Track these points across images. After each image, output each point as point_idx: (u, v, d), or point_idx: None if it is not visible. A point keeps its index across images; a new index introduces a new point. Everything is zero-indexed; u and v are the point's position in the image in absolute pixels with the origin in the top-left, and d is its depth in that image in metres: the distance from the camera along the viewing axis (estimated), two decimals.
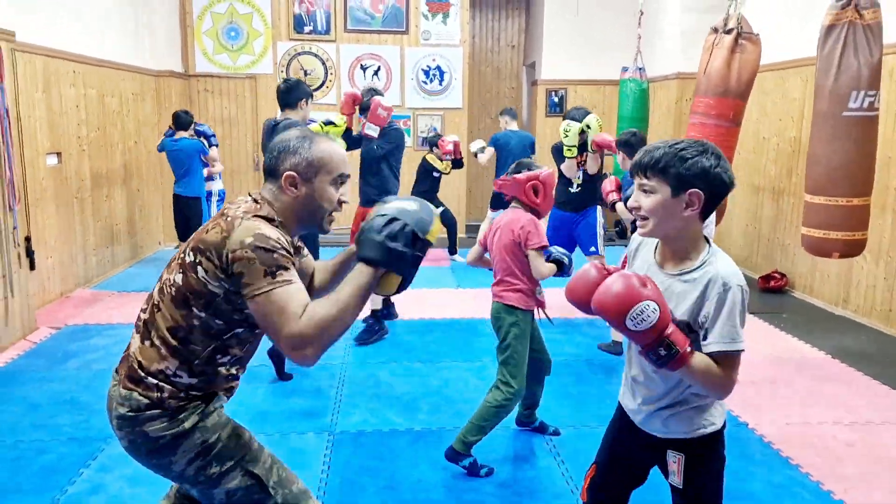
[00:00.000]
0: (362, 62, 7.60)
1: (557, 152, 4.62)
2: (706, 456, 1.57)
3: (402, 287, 1.49)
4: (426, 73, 7.73)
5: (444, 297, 5.19)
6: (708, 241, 1.53)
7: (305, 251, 1.72)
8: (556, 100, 8.25)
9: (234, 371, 1.55)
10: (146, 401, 1.45)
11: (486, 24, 9.18)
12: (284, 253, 1.40)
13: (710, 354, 1.42)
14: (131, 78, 6.06)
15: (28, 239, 4.15)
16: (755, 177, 6.04)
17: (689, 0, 6.76)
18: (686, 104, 7.06)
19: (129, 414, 1.46)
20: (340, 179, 1.55)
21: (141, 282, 5.44)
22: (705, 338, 1.44)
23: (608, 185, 4.32)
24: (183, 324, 1.45)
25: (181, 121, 5.51)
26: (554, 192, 4.68)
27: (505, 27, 9.20)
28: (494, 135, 6.34)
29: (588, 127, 4.37)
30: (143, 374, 1.46)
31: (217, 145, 6.03)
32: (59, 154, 4.84)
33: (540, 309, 2.71)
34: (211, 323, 1.44)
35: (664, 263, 1.54)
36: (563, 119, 4.54)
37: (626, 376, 1.70)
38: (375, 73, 7.65)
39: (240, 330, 1.48)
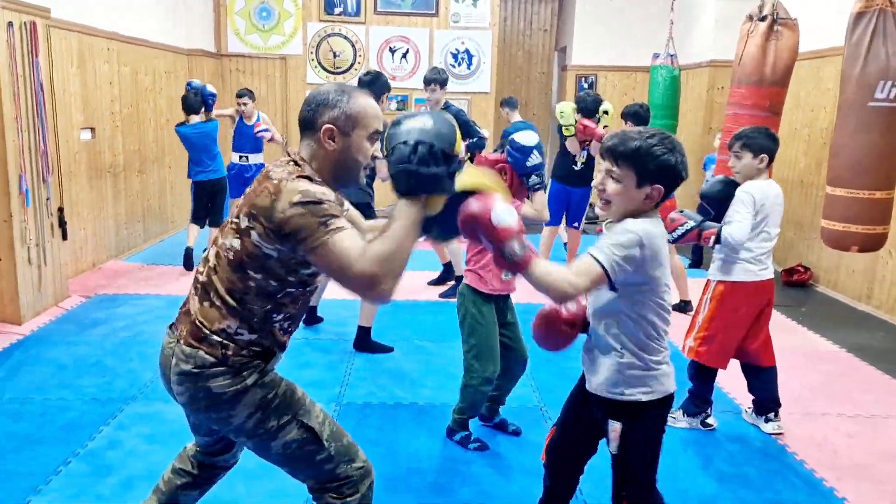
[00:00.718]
0: (391, 45, 7.65)
1: (560, 131, 4.96)
2: (641, 424, 1.64)
3: (449, 205, 1.47)
4: (455, 56, 7.74)
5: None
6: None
7: (349, 206, 1.77)
8: (585, 86, 8.17)
9: (287, 327, 1.61)
10: (211, 358, 1.51)
11: (518, 7, 9.12)
12: (333, 203, 1.44)
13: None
14: (164, 56, 6.23)
15: (61, 210, 4.33)
16: (783, 169, 5.92)
17: None
18: (718, 92, 6.94)
19: (194, 370, 1.52)
20: (375, 135, 1.57)
21: (169, 257, 5.61)
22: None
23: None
24: (240, 285, 1.51)
25: (190, 103, 5.14)
26: (555, 165, 5.09)
27: (538, 10, 9.13)
28: (505, 129, 6.29)
29: (605, 112, 4.57)
30: (207, 332, 1.52)
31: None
32: (92, 129, 5.02)
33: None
34: (265, 284, 1.50)
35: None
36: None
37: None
38: (404, 55, 7.69)
39: (292, 290, 1.54)
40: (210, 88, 5.31)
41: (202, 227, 5.33)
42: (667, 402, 1.67)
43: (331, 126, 1.52)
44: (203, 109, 5.23)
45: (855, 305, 4.89)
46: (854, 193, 3.72)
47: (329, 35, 7.59)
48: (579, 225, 5.20)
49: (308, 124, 1.55)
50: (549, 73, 9.25)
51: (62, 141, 4.52)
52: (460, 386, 2.65)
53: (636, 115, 4.11)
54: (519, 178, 2.53)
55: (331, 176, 1.56)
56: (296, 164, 1.54)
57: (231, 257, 1.52)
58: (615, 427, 1.64)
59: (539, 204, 2.61)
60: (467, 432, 2.69)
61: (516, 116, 6.40)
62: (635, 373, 1.62)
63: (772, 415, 2.89)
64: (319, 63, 7.63)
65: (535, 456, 2.60)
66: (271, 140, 5.43)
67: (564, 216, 5.24)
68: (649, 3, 7.63)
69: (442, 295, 4.73)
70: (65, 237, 4.37)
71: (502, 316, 2.65)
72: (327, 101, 1.53)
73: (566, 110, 4.83)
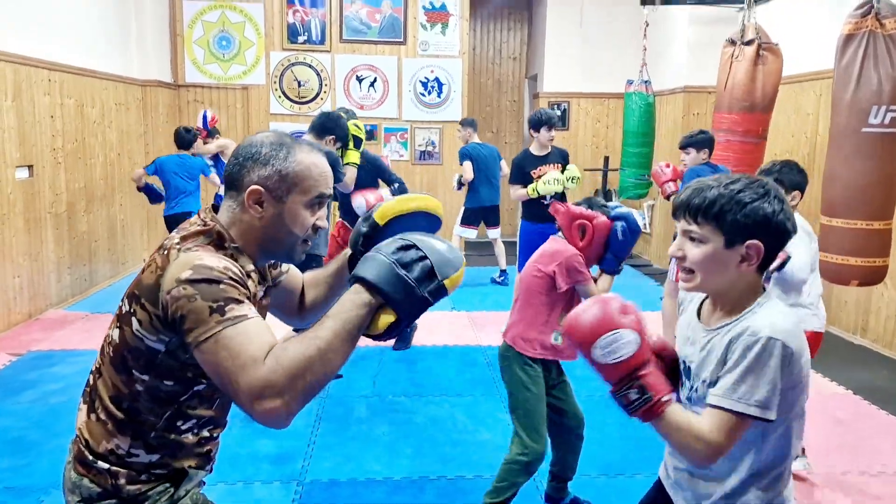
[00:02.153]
0: (358, 73, 7.38)
1: (518, 170, 4.48)
2: None
3: (391, 331, 1.10)
4: (424, 84, 7.50)
5: (436, 319, 4.90)
6: (765, 291, 1.27)
7: (286, 266, 1.41)
8: (558, 113, 7.99)
9: (205, 434, 1.25)
10: (98, 489, 1.18)
11: (486, 35, 8.97)
12: (233, 283, 1.09)
13: (711, 406, 1.17)
14: (114, 87, 5.84)
15: None
16: None
17: (696, 11, 6.51)
18: (693, 119, 6.80)
19: None
20: (319, 200, 1.23)
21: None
22: (711, 385, 1.19)
23: (663, 173, 4.01)
24: (125, 391, 1.16)
25: (182, 139, 5.15)
26: (524, 205, 4.52)
27: (507, 38, 8.98)
28: (464, 147, 6.04)
29: (573, 179, 4.37)
30: (91, 456, 1.19)
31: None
32: (30, 167, 4.60)
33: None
34: (159, 385, 1.16)
35: (708, 318, 1.29)
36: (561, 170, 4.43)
37: (668, 465, 1.40)
38: (372, 84, 7.43)
39: (200, 387, 1.19)
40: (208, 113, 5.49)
41: None
42: None
43: (258, 188, 1.18)
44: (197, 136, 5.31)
45: (850, 339, 4.67)
46: (852, 224, 3.52)
47: (293, 64, 7.29)
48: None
49: (233, 183, 1.21)
50: (520, 100, 9.08)
51: None
52: (502, 464, 2.27)
53: (697, 141, 3.67)
54: (601, 251, 2.22)
55: (256, 249, 1.23)
56: (203, 224, 1.20)
57: (112, 353, 1.18)
58: None
59: (603, 289, 2.23)
60: None
61: (476, 138, 6.15)
62: (771, 497, 1.24)
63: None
64: (284, 93, 7.32)
65: None
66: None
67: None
68: (620, 29, 7.53)
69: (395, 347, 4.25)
70: None
71: (553, 377, 2.34)
72: (258, 155, 1.19)
73: (554, 185, 4.31)
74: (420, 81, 7.48)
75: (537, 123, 4.34)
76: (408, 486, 2.65)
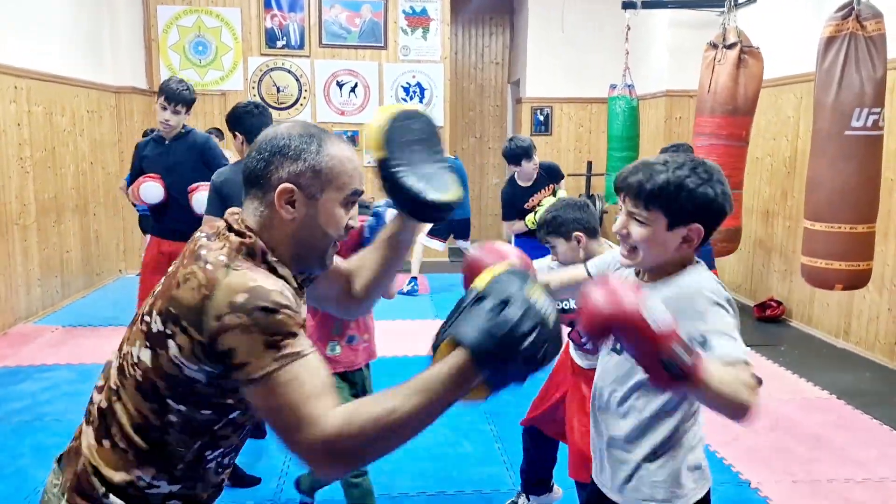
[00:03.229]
0: (338, 78, 7.29)
1: (510, 207, 4.17)
2: None
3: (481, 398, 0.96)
4: (406, 89, 7.43)
5: (419, 329, 4.82)
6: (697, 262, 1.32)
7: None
8: (541, 118, 7.96)
9: (226, 462, 1.15)
10: None
11: (468, 40, 8.92)
12: (291, 312, 0.97)
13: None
14: (86, 94, 5.70)
15: None
16: (748, 199, 5.74)
17: (677, 15, 6.51)
18: (675, 122, 6.79)
19: None
20: (353, 198, 1.12)
21: (95, 314, 5.02)
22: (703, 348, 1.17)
23: None
24: (155, 422, 1.03)
25: None
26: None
27: (489, 43, 8.94)
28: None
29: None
30: (103, 488, 1.04)
31: None
32: None
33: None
34: (195, 416, 1.03)
35: (645, 278, 1.35)
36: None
37: (595, 446, 1.41)
38: (352, 89, 7.35)
39: (235, 414, 1.08)
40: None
41: None
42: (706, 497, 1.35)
43: (291, 186, 1.06)
44: None
45: (833, 342, 4.65)
46: (835, 228, 3.50)
47: (272, 69, 7.19)
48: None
49: (257, 180, 1.07)
50: (503, 105, 9.04)
51: None
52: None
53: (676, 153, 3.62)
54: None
55: (288, 255, 1.09)
56: (239, 235, 1.06)
57: (140, 378, 1.03)
58: None
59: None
60: None
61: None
62: (685, 459, 1.32)
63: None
64: (262, 99, 7.20)
65: None
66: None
67: None
68: (602, 34, 7.51)
69: None
70: None
71: (360, 387, 2.16)
72: (287, 148, 1.06)
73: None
74: (402, 87, 7.41)
75: (516, 158, 4.00)
76: (386, 502, 2.56)
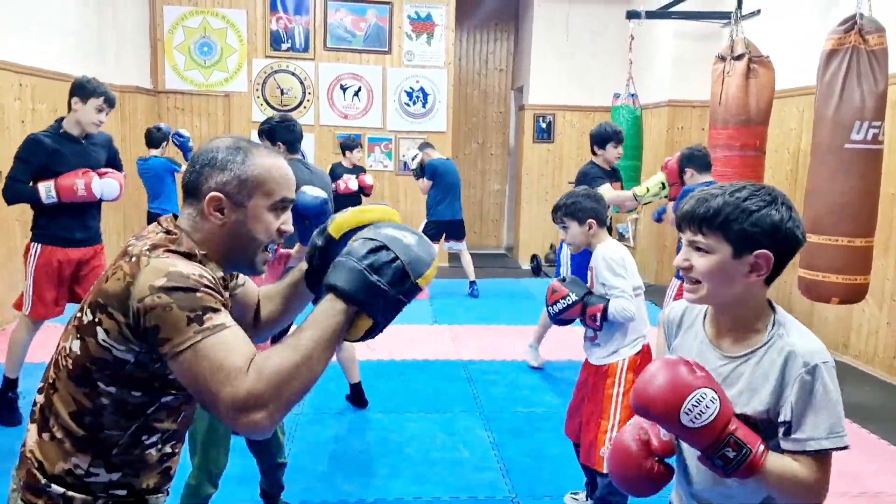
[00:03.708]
0: (342, 82, 7.32)
1: (588, 179, 3.99)
2: None
3: (369, 335, 1.10)
4: (409, 94, 7.46)
5: (418, 333, 4.82)
6: (773, 306, 1.22)
7: (243, 278, 1.35)
8: (543, 125, 7.98)
9: (167, 450, 1.19)
10: None
11: (473, 46, 8.95)
12: (209, 290, 1.05)
13: (797, 453, 1.13)
14: None
15: None
16: None
17: (680, 26, 6.54)
18: (678, 132, 6.81)
19: None
20: (282, 204, 1.20)
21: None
22: (788, 433, 1.13)
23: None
24: (88, 405, 1.09)
25: (152, 138, 5.22)
26: None
27: (493, 49, 8.97)
28: (431, 161, 6.00)
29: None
30: (45, 479, 1.10)
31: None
32: None
33: None
34: (126, 398, 1.09)
35: (719, 340, 1.23)
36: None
37: (680, 494, 1.32)
38: (356, 93, 7.37)
39: (168, 398, 1.13)
40: (181, 131, 5.34)
41: None
42: None
43: (217, 194, 1.14)
44: (168, 141, 5.24)
45: (832, 356, 4.65)
46: (833, 241, 3.50)
47: (276, 72, 7.21)
48: None
49: (192, 190, 1.17)
50: (506, 112, 9.06)
51: None
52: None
53: (692, 158, 3.53)
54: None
55: (220, 256, 1.18)
56: (167, 232, 1.15)
57: (71, 366, 1.10)
58: None
59: None
60: None
61: (435, 154, 6.13)
62: None
63: None
64: (266, 100, 7.23)
65: None
66: None
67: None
68: (605, 43, 7.54)
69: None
70: None
71: None
72: (215, 161, 1.15)
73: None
74: (405, 91, 7.43)
75: (603, 139, 4.03)
76: None
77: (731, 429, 1.07)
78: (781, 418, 1.14)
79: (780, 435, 1.14)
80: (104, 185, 3.08)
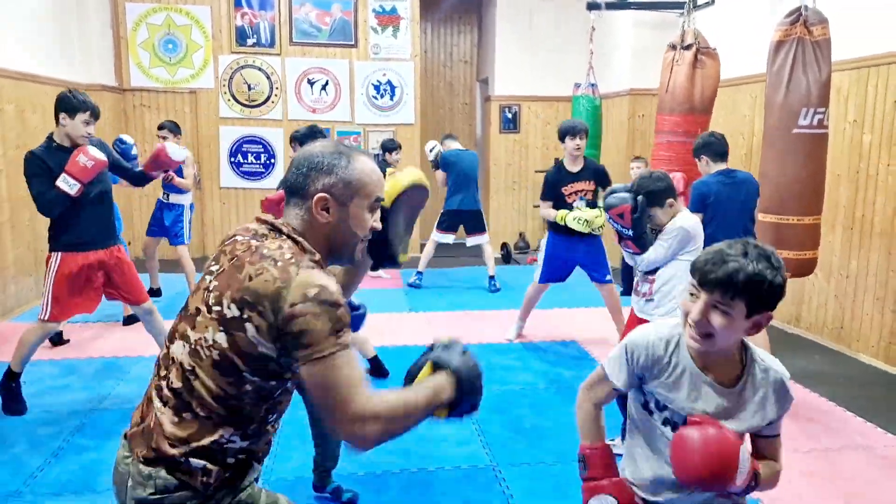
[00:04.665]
0: (309, 76, 7.37)
1: (551, 187, 4.23)
2: None
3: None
4: (377, 87, 7.54)
5: (395, 322, 4.96)
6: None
7: None
8: (509, 116, 8.15)
9: (277, 424, 1.38)
10: (175, 481, 1.24)
11: (438, 39, 9.06)
12: (347, 310, 1.21)
13: (766, 437, 1.45)
14: (56, 92, 5.65)
15: None
16: None
17: (640, 16, 6.76)
18: (639, 120, 7.05)
19: (153, 497, 1.24)
20: (376, 203, 1.36)
21: None
22: (769, 425, 1.43)
23: (679, 184, 4.02)
24: (233, 392, 1.23)
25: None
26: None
27: (457, 42, 9.10)
28: (444, 153, 6.15)
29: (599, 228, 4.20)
30: (179, 454, 1.23)
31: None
32: None
33: None
34: (264, 386, 1.25)
35: (707, 371, 1.40)
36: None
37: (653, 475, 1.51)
38: (323, 87, 7.43)
39: (290, 384, 1.32)
40: (123, 137, 4.91)
41: None
42: None
43: (325, 195, 1.29)
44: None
45: (784, 328, 4.95)
46: (783, 219, 3.74)
47: (242, 67, 7.22)
48: (611, 277, 4.31)
49: (297, 191, 1.31)
50: (472, 103, 9.21)
51: None
52: None
53: (708, 145, 3.65)
54: None
55: (325, 253, 1.33)
56: (293, 240, 1.28)
57: (217, 357, 1.22)
58: None
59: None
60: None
61: (456, 144, 6.24)
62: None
63: None
64: (233, 96, 7.24)
65: None
66: (170, 180, 5.02)
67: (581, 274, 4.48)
68: (568, 33, 7.73)
69: None
70: None
71: None
72: (322, 164, 1.30)
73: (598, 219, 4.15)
74: (372, 84, 7.51)
75: (562, 133, 4.20)
76: (371, 479, 2.71)
77: (756, 467, 1.35)
78: (768, 420, 1.41)
79: (764, 428, 1.42)
80: (171, 148, 3.48)
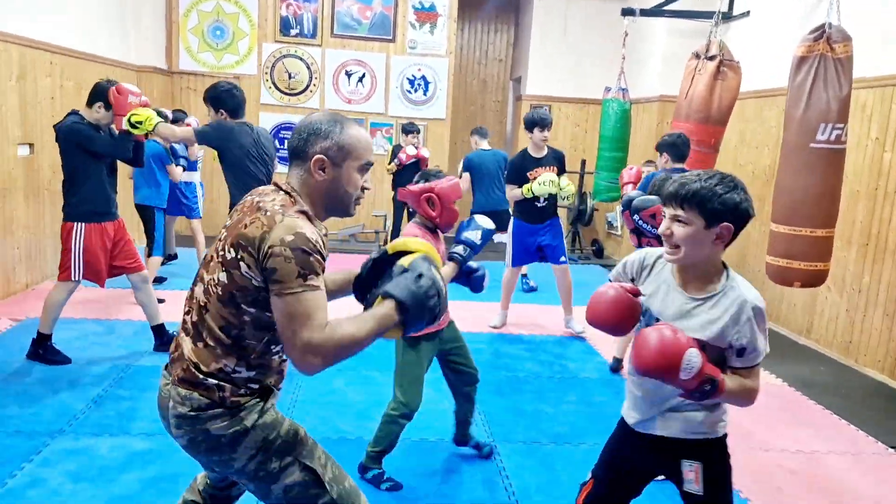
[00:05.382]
0: (347, 68, 7.62)
1: (515, 171, 4.55)
2: (720, 460, 1.68)
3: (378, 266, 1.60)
4: (411, 82, 7.75)
5: None
6: (726, 266, 1.62)
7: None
8: (550, 115, 8.26)
9: (284, 356, 1.56)
10: (207, 400, 1.46)
11: (474, 37, 9.24)
12: (320, 259, 1.40)
13: (740, 368, 1.57)
14: (111, 72, 5.99)
15: None
16: None
17: (673, 24, 6.85)
18: (667, 126, 7.12)
19: (191, 413, 1.47)
20: (367, 166, 1.56)
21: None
22: (740, 355, 1.56)
23: (626, 175, 4.28)
24: (234, 322, 1.45)
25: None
26: (516, 202, 4.62)
27: (493, 40, 9.26)
28: (467, 156, 6.29)
29: (567, 197, 4.51)
30: (201, 375, 1.47)
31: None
32: (31, 145, 4.78)
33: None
34: (261, 316, 1.45)
35: (686, 286, 1.62)
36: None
37: (632, 394, 1.75)
38: (360, 79, 7.67)
39: None
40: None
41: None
42: (726, 434, 1.73)
43: (322, 157, 1.50)
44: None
45: (796, 339, 5.03)
46: (796, 231, 3.84)
47: (284, 56, 7.50)
48: (566, 259, 4.66)
49: (298, 153, 1.52)
50: (503, 101, 9.37)
51: None
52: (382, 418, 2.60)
53: (673, 145, 3.88)
54: (455, 213, 2.54)
55: (321, 207, 1.54)
56: (287, 194, 1.49)
57: (220, 292, 1.46)
58: (694, 467, 1.64)
59: (447, 275, 2.37)
60: (380, 470, 2.61)
61: (484, 144, 6.36)
62: (715, 414, 1.66)
63: None
64: (274, 84, 7.53)
65: (488, 494, 2.57)
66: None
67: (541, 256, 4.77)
68: (602, 37, 7.84)
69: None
70: None
71: (446, 345, 2.67)
72: (319, 130, 1.50)
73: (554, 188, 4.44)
74: (407, 79, 7.73)
75: (531, 124, 4.49)
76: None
77: (707, 371, 1.47)
78: (737, 345, 1.54)
79: (734, 356, 1.56)
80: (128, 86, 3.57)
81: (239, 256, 1.41)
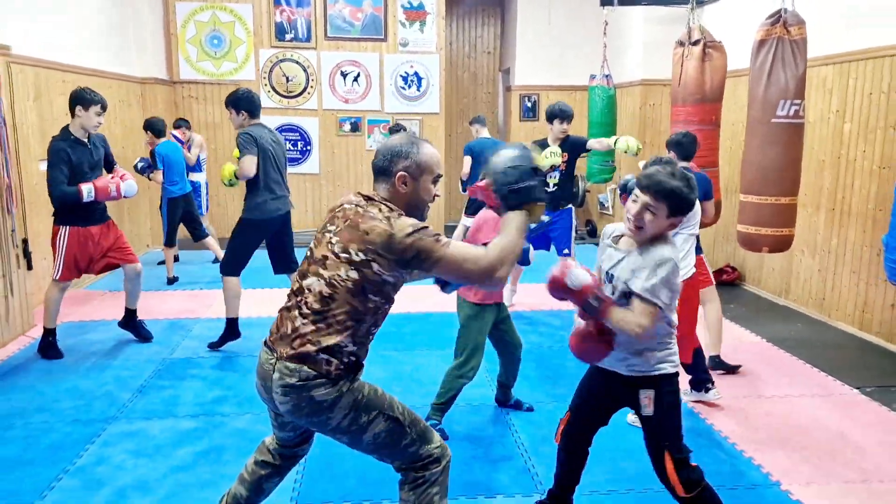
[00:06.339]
0: (342, 69, 7.93)
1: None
2: (668, 391, 2.06)
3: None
4: (404, 79, 8.06)
5: (420, 291, 5.48)
6: (668, 238, 2.01)
7: None
8: (529, 105, 8.62)
9: (372, 337, 1.91)
10: (314, 372, 1.76)
11: (462, 31, 9.54)
12: (431, 228, 1.82)
13: (630, 293, 1.94)
14: (118, 86, 6.34)
15: (25, 241, 4.44)
16: None
17: (650, 11, 7.16)
18: (650, 109, 7.46)
19: (298, 383, 1.76)
20: (438, 178, 1.94)
21: None
22: (635, 290, 1.92)
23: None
24: (361, 308, 1.80)
25: (159, 128, 5.95)
26: None
27: (481, 34, 9.56)
28: (468, 143, 6.61)
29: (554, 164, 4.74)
30: (314, 351, 1.77)
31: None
32: None
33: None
34: (380, 303, 1.83)
35: (622, 246, 2.06)
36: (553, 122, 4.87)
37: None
38: (355, 79, 7.98)
39: (388, 305, 1.89)
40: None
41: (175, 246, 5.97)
42: (677, 375, 2.10)
43: (404, 173, 1.87)
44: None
45: (776, 300, 5.40)
46: (763, 200, 4.17)
47: (281, 60, 7.82)
48: (570, 252, 4.78)
49: (383, 171, 1.90)
50: (494, 93, 9.68)
51: (23, 173, 4.63)
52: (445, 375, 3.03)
53: (679, 143, 4.03)
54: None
55: (405, 212, 1.89)
56: (384, 204, 1.86)
57: (351, 286, 1.79)
58: (649, 395, 2.03)
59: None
60: (438, 421, 3.01)
61: (484, 133, 6.61)
62: (664, 353, 2.05)
63: (709, 385, 3.37)
64: (273, 88, 7.85)
65: (499, 444, 2.95)
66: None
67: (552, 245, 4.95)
68: (585, 27, 8.15)
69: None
70: (30, 267, 4.47)
71: (500, 314, 3.13)
72: (400, 152, 1.88)
73: (555, 151, 4.69)
74: (400, 76, 8.04)
75: (551, 116, 4.84)
76: None
77: (594, 290, 1.92)
78: (638, 284, 1.92)
79: (634, 291, 1.93)
80: (127, 186, 3.97)
81: (370, 258, 1.78)
